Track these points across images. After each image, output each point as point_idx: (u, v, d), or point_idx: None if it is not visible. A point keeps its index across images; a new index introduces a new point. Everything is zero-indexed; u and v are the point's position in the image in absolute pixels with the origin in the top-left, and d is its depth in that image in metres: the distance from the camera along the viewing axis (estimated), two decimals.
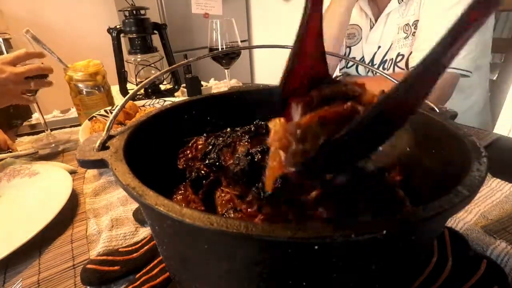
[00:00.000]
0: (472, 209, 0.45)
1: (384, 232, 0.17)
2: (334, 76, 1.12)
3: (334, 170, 0.23)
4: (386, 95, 0.16)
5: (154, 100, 0.92)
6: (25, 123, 1.05)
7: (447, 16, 0.78)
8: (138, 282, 0.36)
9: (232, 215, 0.32)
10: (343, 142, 0.18)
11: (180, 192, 0.39)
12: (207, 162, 0.36)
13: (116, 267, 0.38)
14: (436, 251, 0.37)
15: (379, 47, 0.98)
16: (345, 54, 1.08)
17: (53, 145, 0.83)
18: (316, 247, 0.18)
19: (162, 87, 1.16)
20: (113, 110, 0.79)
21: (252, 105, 0.49)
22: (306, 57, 0.24)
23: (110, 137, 0.33)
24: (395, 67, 0.94)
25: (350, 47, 1.08)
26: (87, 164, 0.30)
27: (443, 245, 0.38)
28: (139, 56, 1.05)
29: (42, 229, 0.45)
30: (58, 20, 2.35)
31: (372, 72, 1.02)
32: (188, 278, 0.30)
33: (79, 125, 0.91)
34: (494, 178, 0.52)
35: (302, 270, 0.21)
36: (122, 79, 1.05)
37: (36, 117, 1.08)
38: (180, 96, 1.12)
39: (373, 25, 0.98)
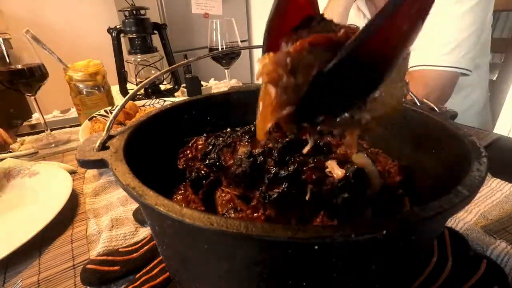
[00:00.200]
0: (472, 209, 0.45)
1: (384, 232, 0.17)
2: None
3: (328, 111, 0.21)
4: (371, 20, 0.15)
5: (154, 100, 0.92)
6: (25, 123, 1.05)
7: (447, 14, 0.79)
8: (138, 282, 0.36)
9: (233, 215, 0.32)
10: (336, 72, 0.17)
11: (180, 192, 0.39)
12: (207, 162, 0.36)
13: (116, 267, 0.38)
14: (436, 251, 0.37)
15: None
16: None
17: (53, 145, 0.83)
18: (316, 247, 0.18)
19: (162, 87, 1.16)
20: (113, 110, 0.79)
21: (252, 105, 0.49)
22: None
23: (110, 137, 0.33)
24: None
25: None
26: (87, 164, 0.30)
27: (443, 245, 0.38)
28: (139, 56, 1.05)
29: (42, 229, 0.45)
30: (58, 20, 2.35)
31: None
32: (188, 278, 0.30)
33: (79, 125, 0.91)
34: (494, 178, 0.52)
35: (302, 270, 0.21)
36: (122, 79, 1.05)
37: (36, 117, 1.08)
38: (180, 96, 1.12)
39: None
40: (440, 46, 0.80)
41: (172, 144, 0.42)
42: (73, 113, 1.09)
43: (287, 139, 0.32)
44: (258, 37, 2.67)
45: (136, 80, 1.08)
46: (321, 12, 0.24)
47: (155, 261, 0.39)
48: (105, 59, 1.07)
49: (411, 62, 0.87)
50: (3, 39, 0.71)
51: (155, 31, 1.06)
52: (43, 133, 0.87)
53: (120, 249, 0.42)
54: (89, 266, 0.38)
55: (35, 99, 0.81)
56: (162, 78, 1.12)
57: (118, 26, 1.02)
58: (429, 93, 0.82)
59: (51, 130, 0.90)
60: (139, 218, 0.48)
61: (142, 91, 1.09)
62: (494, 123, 1.11)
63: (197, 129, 0.45)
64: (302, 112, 0.20)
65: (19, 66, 0.74)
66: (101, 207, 0.54)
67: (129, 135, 0.33)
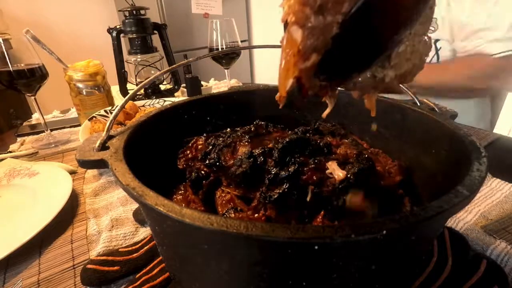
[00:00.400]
0: (472, 209, 0.45)
1: (384, 232, 0.17)
2: None
3: (353, 62, 0.19)
4: None
5: (154, 100, 0.92)
6: (25, 123, 1.05)
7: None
8: (138, 282, 0.36)
9: (233, 215, 0.32)
10: (366, 10, 0.16)
11: (180, 192, 0.39)
12: (207, 162, 0.36)
13: (116, 267, 0.38)
14: (436, 251, 0.37)
15: None
16: None
17: (53, 145, 0.83)
18: (316, 247, 0.18)
19: (162, 87, 1.16)
20: (113, 110, 0.79)
21: (252, 105, 0.49)
22: None
23: (110, 137, 0.33)
24: None
25: None
26: (87, 164, 0.30)
27: (443, 245, 0.38)
28: (139, 56, 1.05)
29: (42, 229, 0.45)
30: (58, 20, 2.35)
31: None
32: (188, 278, 0.30)
33: (79, 125, 0.91)
34: (494, 178, 0.52)
35: (302, 270, 0.21)
36: (122, 79, 1.05)
37: (36, 117, 1.08)
38: (180, 96, 1.12)
39: None
40: None
41: (172, 144, 0.42)
42: (73, 113, 1.09)
43: (287, 139, 0.32)
44: (258, 37, 2.67)
45: (136, 80, 1.08)
46: None
47: (155, 261, 0.39)
48: (105, 59, 1.07)
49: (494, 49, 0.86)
50: (3, 39, 0.71)
51: (155, 31, 1.06)
52: (43, 133, 0.87)
53: (120, 249, 0.42)
54: (89, 266, 0.38)
55: (35, 99, 0.81)
56: (162, 78, 1.12)
57: (118, 26, 1.02)
58: None
59: (51, 130, 0.90)
60: (139, 218, 0.48)
61: (142, 91, 1.09)
62: (494, 123, 1.11)
63: (197, 129, 0.45)
64: (328, 63, 0.18)
65: (19, 66, 0.74)
66: (101, 207, 0.54)
67: (129, 135, 0.33)
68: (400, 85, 0.42)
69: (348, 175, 0.28)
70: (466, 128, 0.31)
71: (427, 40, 0.22)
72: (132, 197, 0.23)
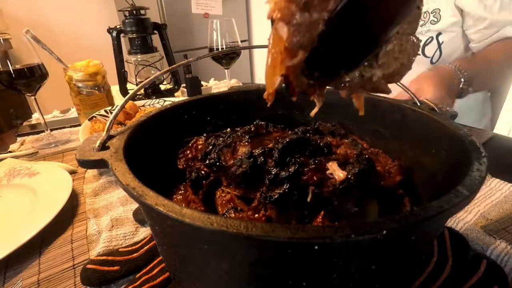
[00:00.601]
0: (471, 209, 0.45)
1: (384, 232, 0.17)
2: None
3: (340, 60, 0.19)
4: None
5: (154, 100, 0.92)
6: (25, 123, 1.05)
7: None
8: (138, 282, 0.36)
9: (233, 215, 0.32)
10: (353, 7, 0.16)
11: (180, 192, 0.39)
12: (207, 162, 0.36)
13: (116, 267, 0.38)
14: (436, 251, 0.37)
15: None
16: None
17: (53, 145, 0.83)
18: (316, 247, 0.18)
19: (162, 87, 1.16)
20: (113, 110, 0.79)
21: (252, 105, 0.49)
22: None
23: (110, 137, 0.33)
24: None
25: None
26: (87, 164, 0.30)
27: (443, 245, 0.38)
28: (139, 56, 1.05)
29: (42, 229, 0.45)
30: (58, 20, 2.35)
31: None
32: (188, 278, 0.30)
33: (79, 125, 0.91)
34: (494, 178, 0.52)
35: (302, 270, 0.21)
36: (122, 79, 1.05)
37: (36, 117, 1.08)
38: (180, 96, 1.12)
39: None
40: None
41: (172, 144, 0.42)
42: (73, 113, 1.09)
43: (287, 139, 0.32)
44: (258, 37, 2.67)
45: (136, 80, 1.08)
46: None
47: (155, 261, 0.39)
48: (105, 59, 1.07)
49: (473, 43, 0.87)
50: (3, 39, 0.71)
51: (155, 31, 1.06)
52: (43, 133, 0.87)
53: (120, 249, 0.42)
54: (89, 266, 0.38)
55: (35, 99, 0.81)
56: (162, 78, 1.12)
57: (118, 26, 1.02)
58: None
59: (51, 130, 0.90)
60: (139, 218, 0.48)
61: (142, 91, 1.09)
62: (494, 123, 1.11)
63: (197, 129, 0.45)
64: (314, 60, 0.18)
65: (19, 66, 0.74)
66: (101, 207, 0.54)
67: (129, 135, 0.33)
68: (399, 84, 0.42)
69: (349, 176, 0.28)
70: (466, 128, 0.31)
71: (415, 40, 0.22)
72: (132, 197, 0.23)
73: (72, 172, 0.65)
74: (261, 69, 2.81)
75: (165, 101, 0.91)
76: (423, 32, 0.91)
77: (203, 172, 0.37)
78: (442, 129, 0.34)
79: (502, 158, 0.60)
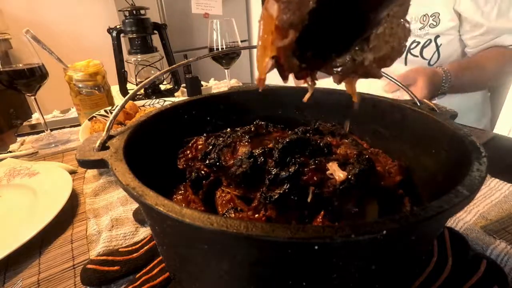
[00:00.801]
0: (471, 209, 0.45)
1: (384, 232, 0.17)
2: None
3: (331, 41, 0.19)
4: None
5: (154, 100, 0.92)
6: (25, 123, 1.05)
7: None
8: (138, 282, 0.36)
9: (233, 215, 0.32)
10: None
11: (180, 192, 0.39)
12: (207, 162, 0.36)
13: (116, 267, 0.38)
14: (436, 251, 0.37)
15: None
16: None
17: (53, 145, 0.83)
18: (316, 247, 0.18)
19: (162, 87, 1.16)
20: (113, 110, 0.79)
21: (252, 105, 0.49)
22: None
23: (110, 137, 0.33)
24: (408, 53, 0.96)
25: None
26: (87, 164, 0.30)
27: (443, 245, 0.38)
28: (139, 56, 1.05)
29: (42, 229, 0.45)
30: (58, 20, 2.35)
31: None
32: (188, 278, 0.30)
33: (79, 125, 0.91)
34: (493, 178, 0.52)
35: (302, 270, 0.21)
36: (122, 79, 1.05)
37: (36, 117, 1.08)
38: (180, 96, 1.12)
39: None
40: None
41: (172, 144, 0.42)
42: (73, 113, 1.09)
43: (287, 139, 0.32)
44: None
45: (136, 80, 1.08)
46: None
47: (155, 261, 0.39)
48: (105, 59, 1.07)
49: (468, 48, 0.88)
50: (3, 39, 0.71)
51: (155, 31, 1.06)
52: (43, 133, 0.87)
53: (120, 249, 0.42)
54: (89, 266, 0.38)
55: (35, 99, 0.81)
56: (162, 78, 1.12)
57: (118, 26, 1.02)
58: None
59: (51, 130, 0.90)
60: (139, 218, 0.48)
61: (142, 91, 1.09)
62: (494, 123, 1.11)
63: (197, 129, 0.45)
64: (305, 41, 0.18)
65: (19, 66, 0.74)
66: (101, 207, 0.54)
67: (129, 135, 0.33)
68: (398, 83, 0.42)
69: (349, 176, 0.28)
70: (466, 128, 0.31)
71: (406, 24, 0.22)
72: (132, 197, 0.23)
73: (72, 172, 0.65)
74: None
75: (165, 101, 0.91)
76: (421, 35, 0.92)
77: (203, 172, 0.37)
78: (442, 129, 0.34)
79: (502, 158, 0.60)
